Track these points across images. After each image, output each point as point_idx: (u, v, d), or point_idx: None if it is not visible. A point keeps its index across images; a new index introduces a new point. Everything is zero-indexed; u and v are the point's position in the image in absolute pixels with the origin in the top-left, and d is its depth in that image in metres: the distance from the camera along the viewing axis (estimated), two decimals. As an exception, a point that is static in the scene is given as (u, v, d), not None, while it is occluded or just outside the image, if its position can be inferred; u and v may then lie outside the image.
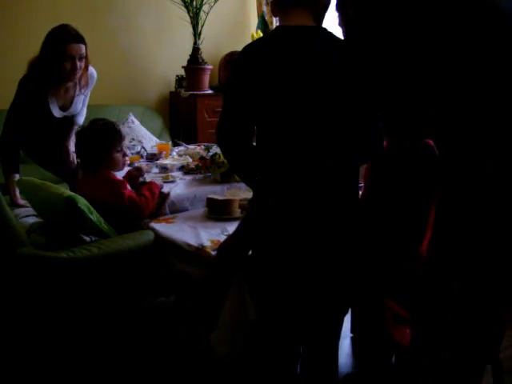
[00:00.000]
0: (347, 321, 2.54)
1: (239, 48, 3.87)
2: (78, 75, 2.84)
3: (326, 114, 1.67)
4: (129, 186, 2.48)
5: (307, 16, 1.72)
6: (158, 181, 2.67)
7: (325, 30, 1.73)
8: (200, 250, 2.03)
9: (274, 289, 1.77)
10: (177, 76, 4.48)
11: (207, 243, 2.07)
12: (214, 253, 1.97)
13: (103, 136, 2.47)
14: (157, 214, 2.49)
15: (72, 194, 2.18)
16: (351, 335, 2.47)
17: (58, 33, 2.77)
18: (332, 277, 1.76)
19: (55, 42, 2.74)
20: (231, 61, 2.73)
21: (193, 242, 2.09)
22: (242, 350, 1.89)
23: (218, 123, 1.74)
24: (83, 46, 2.79)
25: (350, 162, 1.73)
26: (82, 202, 2.16)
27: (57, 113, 2.90)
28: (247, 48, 1.72)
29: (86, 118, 3.10)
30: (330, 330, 1.86)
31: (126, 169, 2.73)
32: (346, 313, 1.91)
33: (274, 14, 1.81)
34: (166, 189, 2.64)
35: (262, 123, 1.70)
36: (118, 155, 2.50)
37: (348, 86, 1.68)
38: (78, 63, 2.77)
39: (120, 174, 2.60)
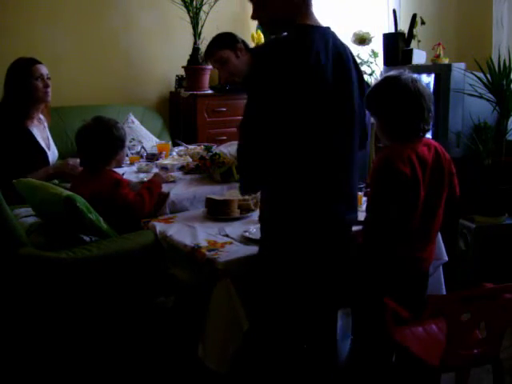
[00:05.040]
0: (348, 321, 2.54)
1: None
2: (50, 96, 2.92)
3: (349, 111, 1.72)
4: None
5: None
6: (160, 175, 2.66)
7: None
8: (195, 250, 2.03)
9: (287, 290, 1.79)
10: (177, 76, 4.48)
11: (203, 243, 2.08)
12: (208, 253, 1.98)
13: (115, 134, 2.50)
14: (156, 214, 2.49)
15: (70, 193, 2.18)
16: (351, 336, 2.46)
17: (19, 61, 2.88)
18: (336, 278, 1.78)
19: (21, 67, 2.85)
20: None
21: (189, 242, 2.10)
22: (235, 362, 1.89)
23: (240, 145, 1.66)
24: (45, 67, 2.91)
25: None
26: (81, 202, 2.16)
27: (43, 144, 2.90)
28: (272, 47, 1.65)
29: (87, 118, 3.12)
30: (329, 328, 1.87)
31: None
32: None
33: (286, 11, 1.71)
34: (165, 189, 2.65)
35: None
36: (123, 152, 2.58)
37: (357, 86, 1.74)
38: (48, 81, 2.89)
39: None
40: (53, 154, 2.96)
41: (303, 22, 1.68)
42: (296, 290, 1.78)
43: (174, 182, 2.76)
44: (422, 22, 3.67)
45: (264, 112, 1.57)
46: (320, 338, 1.88)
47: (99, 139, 2.48)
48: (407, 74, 2.05)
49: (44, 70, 2.90)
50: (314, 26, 1.68)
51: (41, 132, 2.94)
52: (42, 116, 3.02)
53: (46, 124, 3.04)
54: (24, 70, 2.85)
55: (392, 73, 2.08)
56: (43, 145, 2.90)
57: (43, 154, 2.88)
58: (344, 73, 1.68)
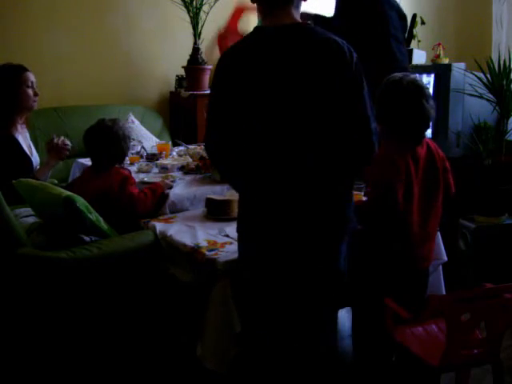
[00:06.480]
0: (348, 321, 2.55)
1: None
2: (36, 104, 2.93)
3: (308, 115, 1.62)
4: None
5: (288, 14, 1.66)
6: (167, 181, 2.69)
7: (306, 26, 1.67)
8: (195, 250, 2.03)
9: (258, 292, 1.78)
10: (177, 76, 4.48)
11: (203, 243, 2.08)
12: (208, 253, 1.98)
13: (125, 135, 2.59)
14: (156, 213, 2.50)
15: (70, 194, 2.18)
16: (351, 335, 2.47)
17: (8, 67, 2.85)
18: (313, 278, 1.73)
19: (12, 74, 2.82)
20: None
21: (189, 242, 2.10)
22: (233, 362, 1.89)
23: (205, 131, 1.74)
24: (33, 75, 2.89)
25: (337, 167, 1.68)
26: (81, 202, 2.17)
27: (27, 151, 2.88)
28: (226, 53, 1.70)
29: (87, 118, 3.11)
30: (318, 329, 1.85)
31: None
32: (333, 312, 1.90)
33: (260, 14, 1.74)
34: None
35: (246, 126, 1.67)
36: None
37: (332, 88, 1.61)
38: (37, 90, 2.88)
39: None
40: (35, 160, 2.95)
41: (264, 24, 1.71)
42: (280, 289, 1.76)
43: (173, 181, 2.76)
44: (422, 22, 3.68)
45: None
46: (317, 337, 1.87)
47: (117, 138, 2.55)
48: (411, 78, 2.03)
49: (33, 77, 2.88)
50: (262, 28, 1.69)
51: (24, 139, 2.93)
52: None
53: (26, 130, 3.01)
54: (15, 77, 2.82)
55: (397, 75, 2.06)
56: (27, 151, 2.89)
57: (29, 160, 2.87)
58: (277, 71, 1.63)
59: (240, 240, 1.80)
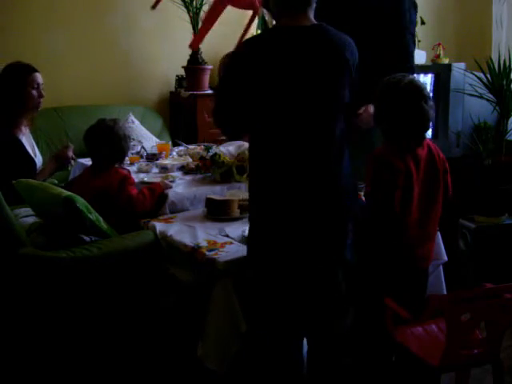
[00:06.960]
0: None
1: (239, 48, 3.79)
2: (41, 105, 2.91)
3: (313, 111, 1.70)
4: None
5: (305, 16, 1.74)
6: (167, 181, 2.70)
7: (321, 27, 1.74)
8: (195, 250, 2.04)
9: (267, 290, 1.78)
10: (177, 76, 4.48)
11: (203, 243, 2.08)
12: (208, 253, 1.98)
13: (125, 135, 2.61)
14: (156, 213, 2.50)
15: (70, 193, 2.18)
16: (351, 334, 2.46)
17: (16, 67, 2.82)
18: (324, 276, 1.75)
19: (18, 74, 2.79)
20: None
21: (189, 242, 2.10)
22: (235, 363, 1.90)
23: (213, 109, 1.82)
24: (40, 76, 2.88)
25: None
26: (81, 202, 2.17)
27: (31, 152, 2.87)
28: (248, 43, 1.78)
29: (87, 118, 3.11)
30: (329, 328, 1.86)
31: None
32: (346, 314, 1.90)
33: (273, 15, 1.82)
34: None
35: (256, 118, 1.73)
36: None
37: (332, 88, 1.71)
38: (43, 91, 2.87)
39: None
40: (38, 160, 2.93)
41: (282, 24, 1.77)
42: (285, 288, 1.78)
43: (173, 181, 2.76)
44: (422, 22, 3.68)
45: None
46: (318, 338, 1.88)
47: (117, 138, 2.55)
48: (410, 79, 2.03)
49: (40, 78, 2.85)
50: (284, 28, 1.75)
51: (27, 140, 2.91)
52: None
53: (28, 130, 2.98)
54: (21, 77, 2.79)
55: (396, 76, 2.06)
56: (31, 153, 2.88)
57: (32, 162, 2.85)
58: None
59: (250, 239, 1.83)
